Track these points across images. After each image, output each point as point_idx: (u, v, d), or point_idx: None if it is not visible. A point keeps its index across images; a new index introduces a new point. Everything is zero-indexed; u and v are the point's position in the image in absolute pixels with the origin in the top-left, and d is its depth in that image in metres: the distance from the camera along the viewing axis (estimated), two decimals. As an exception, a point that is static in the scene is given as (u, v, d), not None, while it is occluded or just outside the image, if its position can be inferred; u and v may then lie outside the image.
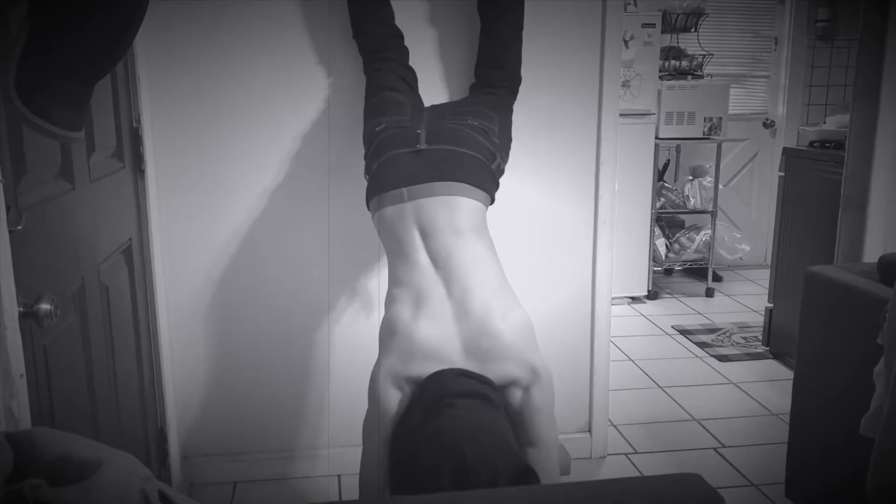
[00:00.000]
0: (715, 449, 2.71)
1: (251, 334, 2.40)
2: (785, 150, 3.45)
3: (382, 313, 2.35)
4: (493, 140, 1.91)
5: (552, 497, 1.05)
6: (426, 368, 1.51)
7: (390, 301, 1.68)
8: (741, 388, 3.25)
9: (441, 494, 1.23)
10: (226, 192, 2.29)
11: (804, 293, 2.14)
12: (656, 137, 4.32)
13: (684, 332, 3.93)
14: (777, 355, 3.58)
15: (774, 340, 3.60)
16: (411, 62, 2.16)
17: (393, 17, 2.15)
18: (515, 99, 2.15)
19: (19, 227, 1.17)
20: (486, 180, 1.81)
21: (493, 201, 1.87)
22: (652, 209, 4.38)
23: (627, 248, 4.36)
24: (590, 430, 2.64)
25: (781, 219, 3.47)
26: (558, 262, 2.53)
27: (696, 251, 4.54)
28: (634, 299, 4.47)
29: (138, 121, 2.04)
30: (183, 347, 2.35)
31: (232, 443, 2.46)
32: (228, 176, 2.28)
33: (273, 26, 2.21)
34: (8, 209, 1.15)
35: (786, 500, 2.26)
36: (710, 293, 4.59)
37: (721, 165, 4.55)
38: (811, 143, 3.34)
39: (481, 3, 2.15)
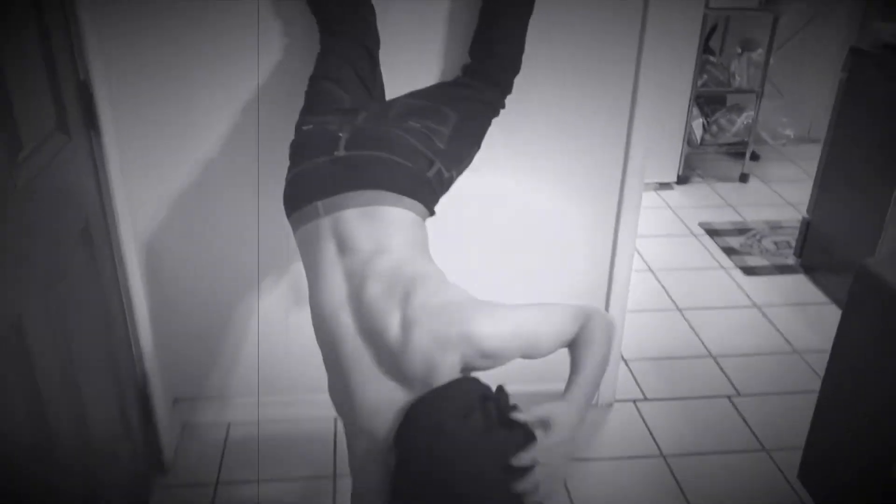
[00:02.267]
0: (729, 397, 2.59)
1: (238, 284, 2.23)
2: (852, 51, 3.00)
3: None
4: (436, 145, 1.61)
5: None
6: (391, 430, 1.33)
7: (324, 359, 1.46)
8: (764, 314, 3.06)
9: None
10: (199, 113, 2.00)
11: (852, 288, 1.88)
12: (706, 6, 3.80)
13: (712, 233, 3.69)
14: (808, 269, 3.36)
15: (807, 252, 3.37)
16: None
17: None
18: (506, 93, 1.84)
19: None
20: (414, 188, 1.53)
21: (431, 213, 1.59)
22: (693, 87, 3.96)
23: (660, 128, 4.01)
24: (598, 379, 2.51)
25: (836, 128, 3.09)
26: (584, 156, 2.21)
27: (735, 134, 4.17)
28: (663, 185, 4.18)
29: (86, 72, 1.72)
30: (167, 302, 2.19)
31: (224, 385, 2.38)
32: (200, 94, 1.98)
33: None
34: None
35: (796, 482, 2.15)
36: (744, 178, 4.27)
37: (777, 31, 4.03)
38: (885, 46, 2.88)
39: None
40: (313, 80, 1.73)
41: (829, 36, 4.34)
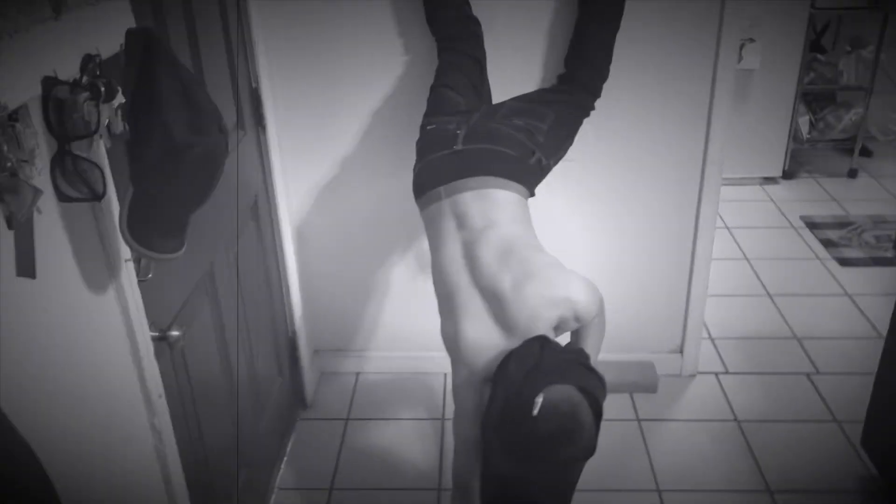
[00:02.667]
0: (807, 374, 2.79)
1: (370, 257, 2.68)
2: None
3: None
4: (537, 139, 1.95)
5: None
6: (487, 365, 1.68)
7: (440, 309, 1.82)
8: (854, 302, 3.21)
9: None
10: (341, 116, 2.44)
11: (906, 269, 2.08)
12: (812, 6, 3.92)
13: (812, 226, 3.82)
14: (908, 263, 3.45)
15: (907, 245, 3.46)
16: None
17: (468, 4, 2.17)
18: (595, 97, 2.17)
19: (150, 276, 1.42)
20: (519, 173, 1.88)
21: (532, 194, 1.92)
22: (798, 84, 4.08)
23: (766, 125, 4.17)
24: (681, 351, 2.78)
25: (934, 124, 3.19)
26: (665, 150, 2.47)
27: (842, 131, 4.25)
28: (767, 179, 4.32)
29: (257, 81, 2.20)
30: (312, 269, 2.66)
31: (356, 341, 2.83)
32: (342, 100, 2.42)
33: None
34: (138, 261, 1.40)
35: (861, 449, 2.36)
36: (853, 174, 4.34)
37: (888, 27, 4.08)
38: (982, 45, 2.96)
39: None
40: (434, 88, 2.12)
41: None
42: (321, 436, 2.57)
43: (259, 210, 2.23)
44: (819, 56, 4.21)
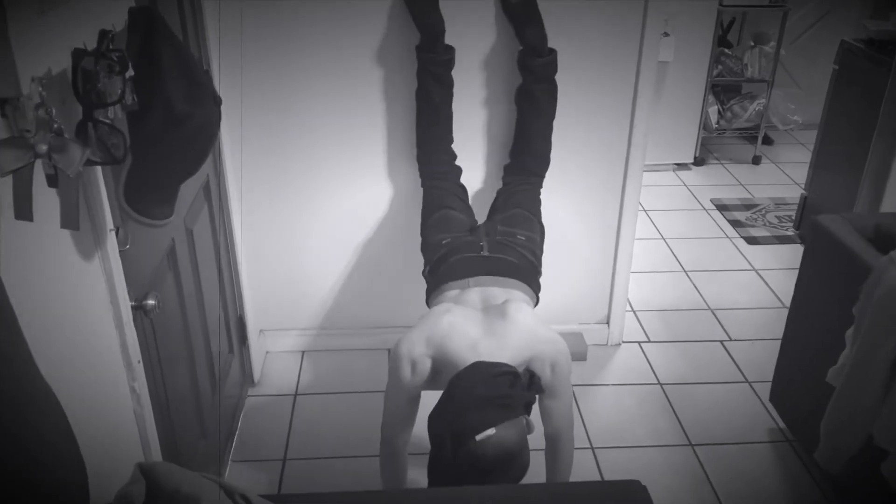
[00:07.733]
0: (721, 341, 3.04)
1: (306, 242, 2.77)
2: (842, 44, 3.40)
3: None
4: (536, 251, 2.26)
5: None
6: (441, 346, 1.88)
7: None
8: (761, 276, 3.50)
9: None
10: (291, 99, 2.53)
11: (808, 240, 2.33)
12: (719, 4, 4.21)
13: (721, 208, 4.12)
14: (805, 239, 3.76)
15: (804, 224, 3.78)
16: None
17: (452, 141, 2.51)
18: (544, 177, 2.52)
19: (128, 247, 1.49)
20: (534, 286, 2.18)
21: (537, 302, 2.20)
22: (708, 77, 4.37)
23: (678, 114, 4.44)
24: (608, 322, 2.99)
25: (828, 113, 3.50)
26: (592, 134, 2.67)
27: (747, 120, 4.57)
28: (680, 166, 4.61)
29: (208, 64, 2.26)
30: (258, 250, 2.74)
31: (301, 320, 2.91)
32: (291, 83, 2.50)
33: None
34: (117, 231, 1.46)
35: (769, 405, 2.62)
36: (756, 161, 4.68)
37: (787, 25, 4.42)
38: (870, 42, 3.28)
39: (519, 96, 2.45)
40: (434, 208, 2.38)
41: (839, 30, 4.70)
42: (270, 411, 2.65)
43: (210, 190, 2.29)
44: (726, 50, 4.52)
